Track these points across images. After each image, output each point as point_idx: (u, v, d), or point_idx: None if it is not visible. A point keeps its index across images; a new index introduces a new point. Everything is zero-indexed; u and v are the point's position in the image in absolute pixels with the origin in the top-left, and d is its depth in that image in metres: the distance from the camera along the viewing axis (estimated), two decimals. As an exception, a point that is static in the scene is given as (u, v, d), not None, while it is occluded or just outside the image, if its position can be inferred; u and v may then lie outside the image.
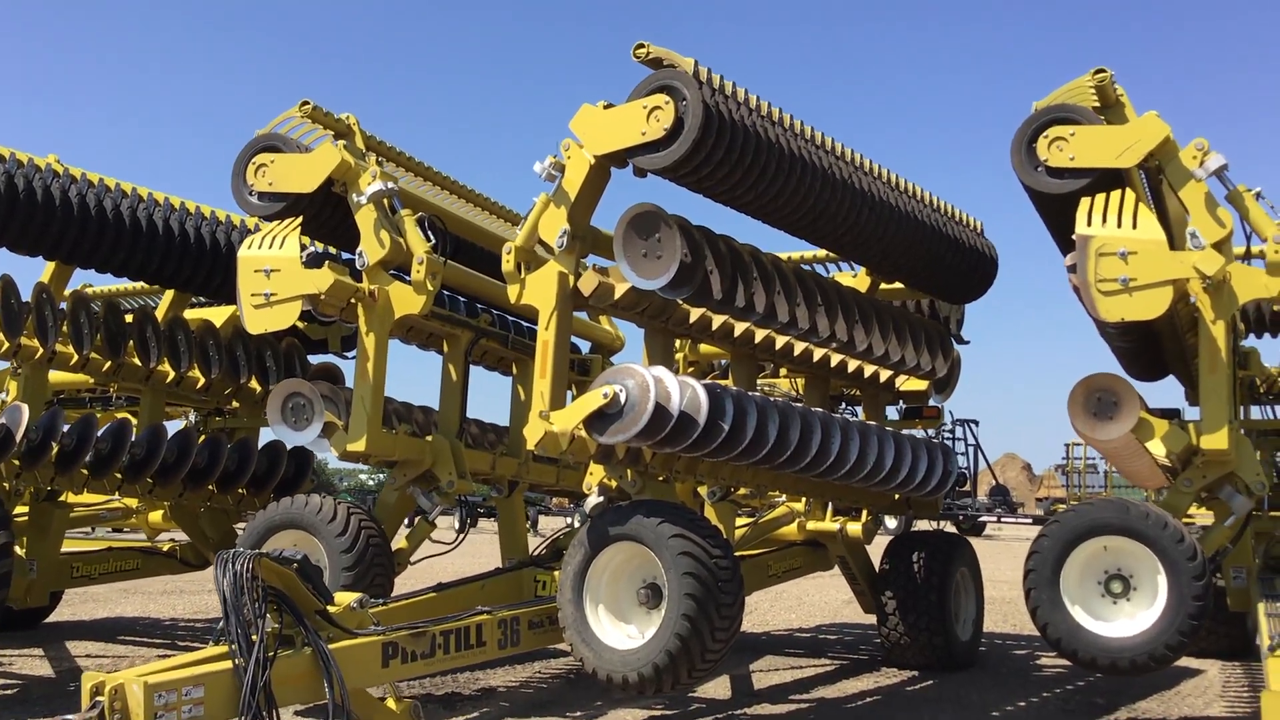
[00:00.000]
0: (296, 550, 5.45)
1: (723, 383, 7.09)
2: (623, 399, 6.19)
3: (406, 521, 8.66)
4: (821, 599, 15.63)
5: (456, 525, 8.72)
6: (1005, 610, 14.12)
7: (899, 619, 9.20)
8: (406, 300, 7.36)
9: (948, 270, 8.34)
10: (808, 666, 9.73)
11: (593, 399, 6.24)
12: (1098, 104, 6.97)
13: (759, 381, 9.01)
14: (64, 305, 8.72)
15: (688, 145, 6.10)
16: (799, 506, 9.37)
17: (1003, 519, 35.31)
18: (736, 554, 7.11)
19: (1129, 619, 6.65)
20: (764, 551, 9.34)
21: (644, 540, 6.18)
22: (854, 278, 9.22)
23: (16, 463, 8.18)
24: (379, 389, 7.45)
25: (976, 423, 26.90)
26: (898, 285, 8.89)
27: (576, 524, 7.42)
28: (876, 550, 9.56)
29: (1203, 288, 6.60)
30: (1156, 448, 7.05)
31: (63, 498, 9.28)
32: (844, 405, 10.33)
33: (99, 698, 4.58)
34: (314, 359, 10.33)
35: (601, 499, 7.00)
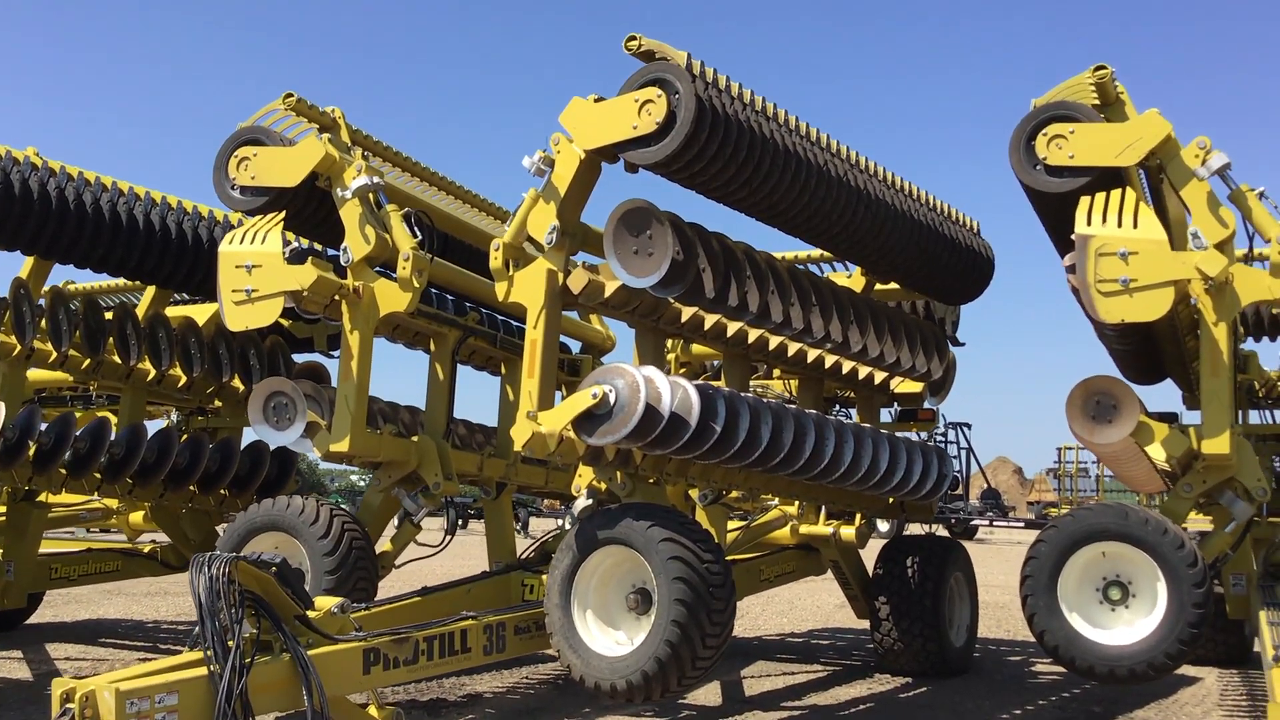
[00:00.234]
0: (275, 554, 5.32)
1: (715, 384, 6.94)
2: (612, 399, 6.05)
3: (395, 523, 8.51)
4: (813, 603, 15.51)
5: (447, 527, 8.57)
6: (999, 615, 14.01)
7: (893, 624, 9.07)
8: (392, 298, 7.21)
9: (944, 270, 8.22)
10: (800, 672, 9.60)
11: (582, 399, 6.10)
12: (1098, 101, 6.84)
13: (752, 383, 8.87)
14: (42, 302, 8.55)
15: (680, 140, 5.96)
16: (792, 510, 9.23)
17: (994, 522, 35.21)
18: (728, 558, 6.97)
19: (1128, 626, 6.55)
20: (756, 556, 9.20)
21: (633, 544, 6.04)
22: (848, 278, 9.09)
23: (-8, 462, 8.00)
24: (363, 388, 7.30)
25: (969, 426, 26.84)
26: (893, 286, 8.76)
27: (567, 526, 7.28)
28: (870, 555, 9.42)
29: (1205, 289, 6.48)
30: (1156, 452, 6.93)
31: (41, 498, 9.11)
32: (837, 407, 10.20)
33: (69, 704, 4.47)
34: (300, 358, 10.18)
35: (590, 502, 6.91)
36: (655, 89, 6.04)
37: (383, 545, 8.02)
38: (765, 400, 6.73)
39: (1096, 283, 6.32)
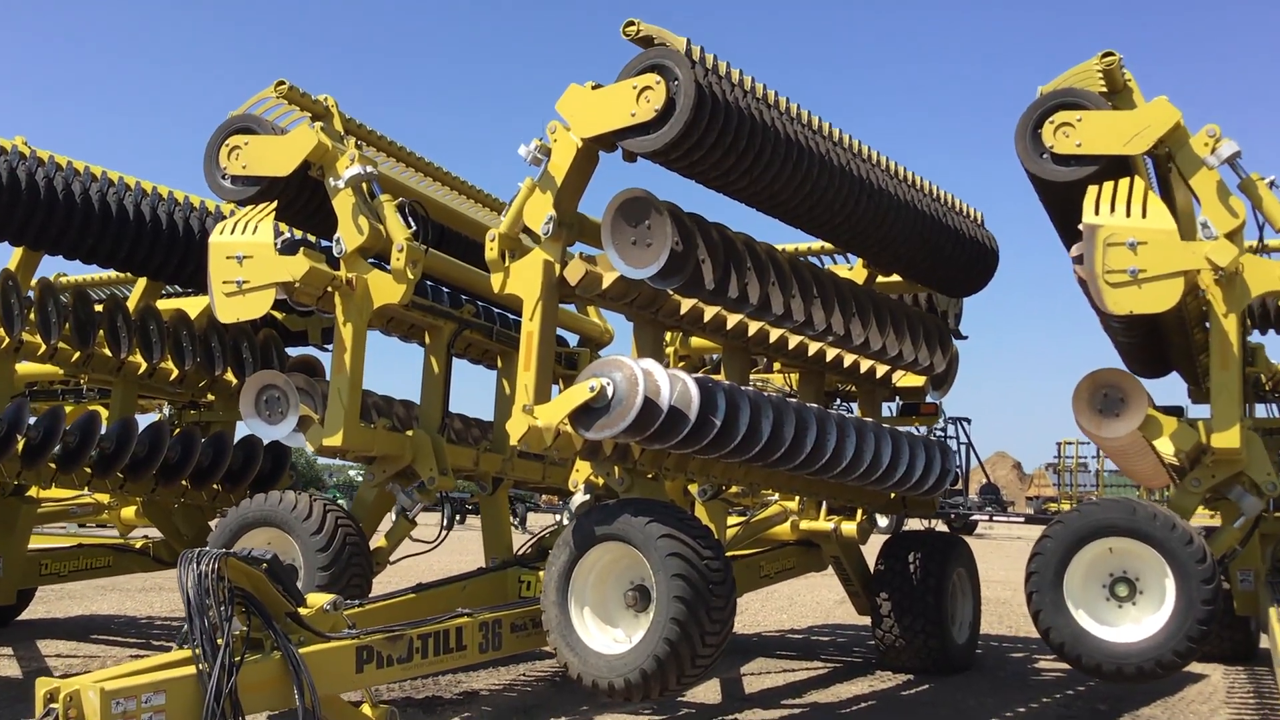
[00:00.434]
0: (266, 549, 5.20)
1: (714, 378, 6.82)
2: (610, 392, 5.93)
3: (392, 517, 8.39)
4: (813, 599, 15.40)
5: (444, 523, 8.46)
6: (1000, 611, 13.90)
7: (894, 621, 8.95)
8: (386, 289, 7.08)
9: (947, 262, 8.09)
10: (800, 669, 9.48)
11: (579, 392, 5.97)
12: (1105, 89, 6.72)
13: (751, 377, 8.74)
14: (31, 293, 8.42)
15: (680, 127, 5.84)
16: (792, 505, 9.10)
17: (994, 518, 35.13)
18: (728, 554, 6.86)
19: (1135, 624, 6.42)
20: (756, 552, 9.08)
21: (631, 540, 5.92)
22: (850, 270, 8.97)
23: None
24: (357, 381, 7.18)
25: (969, 420, 26.68)
26: (894, 278, 8.63)
27: (564, 522, 7.17)
28: (870, 551, 9.31)
29: (1214, 280, 6.36)
30: (1164, 446, 6.81)
31: (31, 493, 8.98)
32: (839, 401, 10.08)
33: (53, 705, 4.35)
34: (294, 352, 10.05)
35: (588, 497, 6.79)
36: (654, 75, 5.91)
37: (377, 541, 7.89)
38: (766, 394, 6.61)
39: (1104, 273, 6.19)
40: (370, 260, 7.23)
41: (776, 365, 9.53)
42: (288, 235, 7.12)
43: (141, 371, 8.99)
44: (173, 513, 9.60)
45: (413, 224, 7.23)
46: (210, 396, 9.84)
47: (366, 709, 5.33)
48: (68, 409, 9.88)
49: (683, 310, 7.02)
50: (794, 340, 7.75)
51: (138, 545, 10.03)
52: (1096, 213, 6.29)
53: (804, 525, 9.06)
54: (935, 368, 8.39)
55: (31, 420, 7.96)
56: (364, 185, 7.14)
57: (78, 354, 8.62)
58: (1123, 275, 6.17)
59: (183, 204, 8.83)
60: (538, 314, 6.38)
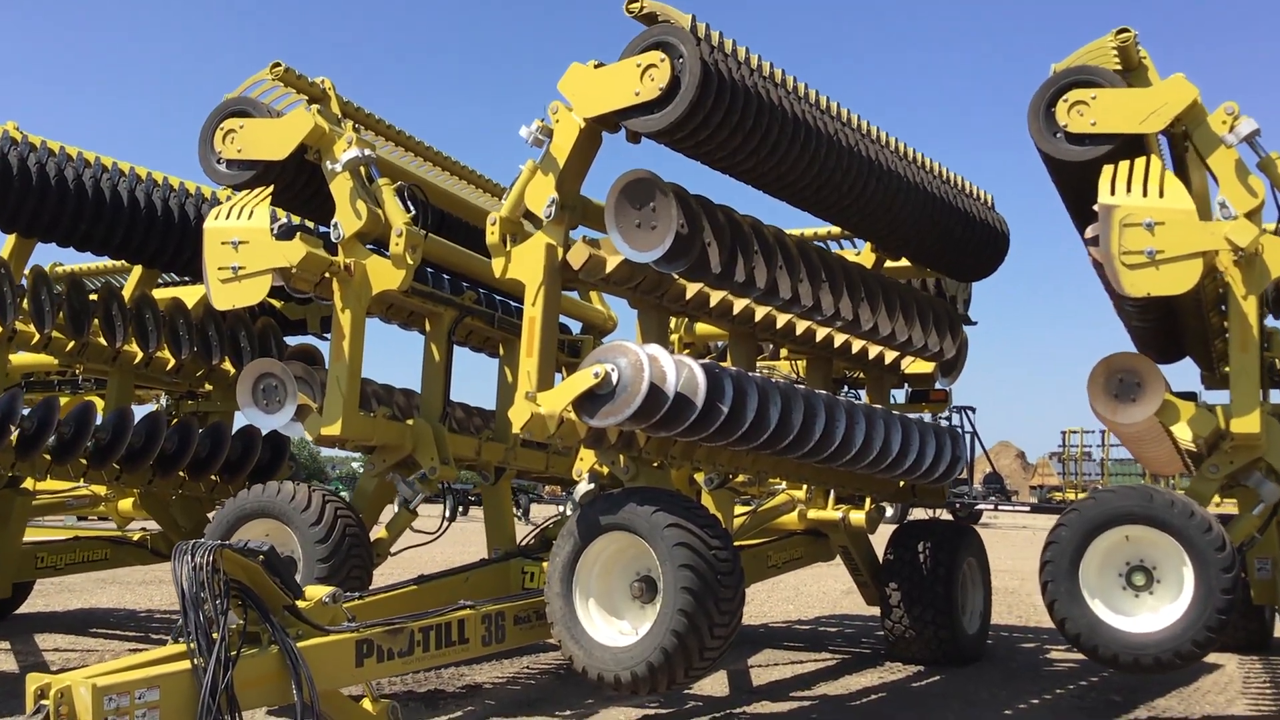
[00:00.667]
0: (263, 541, 5.07)
1: (721, 364, 6.68)
2: (615, 379, 5.79)
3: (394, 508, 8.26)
4: (819, 589, 15.27)
5: (447, 513, 8.33)
6: (1009, 601, 13.77)
7: (904, 611, 8.81)
8: (385, 275, 6.94)
9: (958, 246, 7.94)
10: (808, 661, 9.35)
11: (583, 379, 5.83)
12: (1120, 67, 6.56)
13: (757, 363, 8.60)
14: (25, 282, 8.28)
15: (684, 106, 5.69)
16: (799, 494, 8.95)
17: (999, 507, 35.01)
18: (735, 544, 6.72)
19: (1152, 613, 6.30)
20: (763, 541, 8.93)
21: (637, 530, 5.78)
22: (856, 255, 8.82)
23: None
24: (355, 370, 7.04)
25: (973, 409, 26.58)
26: (903, 262, 8.48)
27: (568, 512, 7.04)
28: (878, 540, 9.17)
29: (1233, 261, 6.20)
30: (1181, 432, 6.66)
31: (25, 485, 8.84)
32: (846, 388, 9.94)
33: (44, 701, 4.23)
34: (293, 341, 9.91)
35: (592, 486, 6.66)
36: (658, 53, 5.76)
37: (378, 532, 7.76)
38: (773, 380, 6.47)
39: (1121, 255, 6.02)
40: (369, 246, 7.10)
41: (783, 352, 9.38)
42: (284, 220, 6.99)
43: (137, 361, 8.85)
44: (171, 504, 9.46)
45: (412, 208, 7.10)
46: (208, 386, 9.71)
47: (367, 704, 5.21)
48: (63, 400, 9.73)
49: (688, 295, 6.88)
50: (801, 325, 7.61)
51: (135, 537, 9.89)
52: (1112, 193, 6.13)
53: (812, 514, 8.92)
54: (945, 353, 8.24)
55: (25, 411, 7.82)
56: (362, 169, 7.00)
57: (72, 343, 8.47)
58: (1140, 256, 6.01)
59: (178, 190, 8.69)
60: (540, 299, 6.24)
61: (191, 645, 4.48)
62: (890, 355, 8.46)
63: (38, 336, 8.27)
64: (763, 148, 6.09)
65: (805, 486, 8.82)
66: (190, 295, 9.43)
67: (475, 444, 8.29)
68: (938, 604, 8.73)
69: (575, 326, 9.97)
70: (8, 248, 8.53)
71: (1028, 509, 35.76)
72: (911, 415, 8.18)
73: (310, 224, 7.89)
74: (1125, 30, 6.52)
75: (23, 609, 10.89)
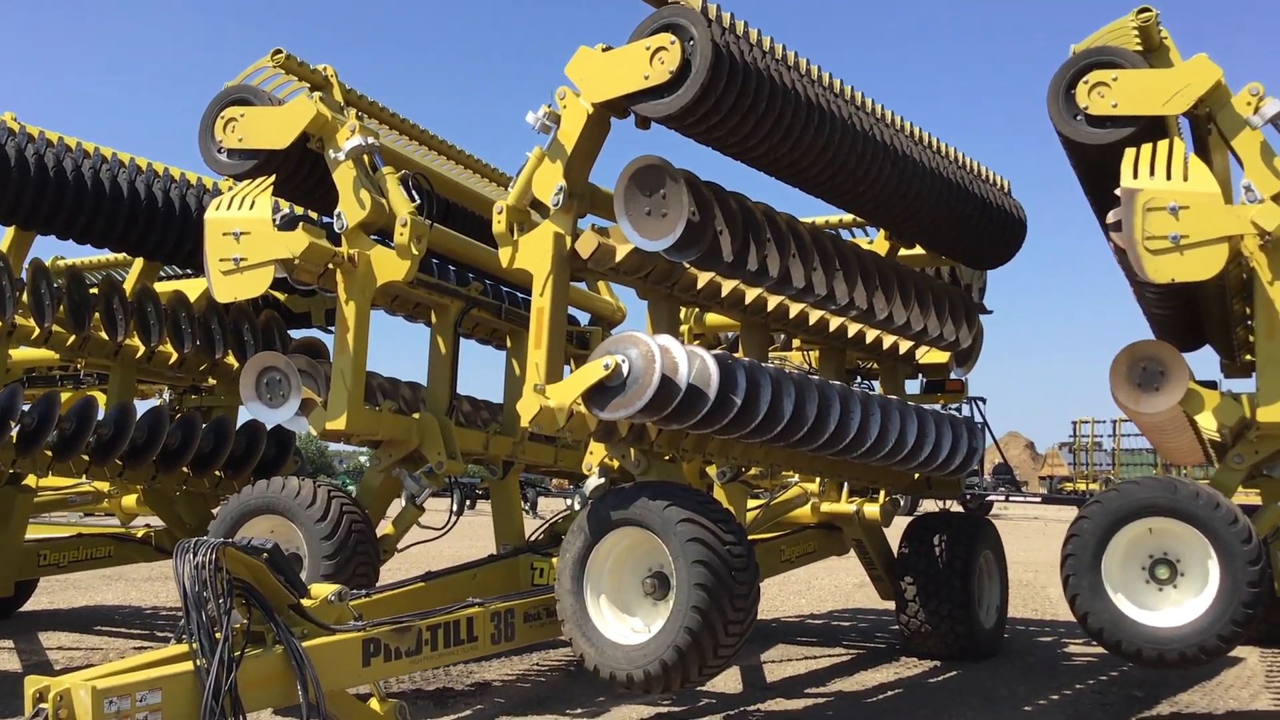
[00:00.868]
0: (267, 538, 4.95)
1: (734, 355, 6.54)
2: (625, 370, 5.65)
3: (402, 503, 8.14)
4: (831, 582, 15.13)
5: (454, 508, 8.19)
6: (1024, 594, 13.60)
7: (919, 606, 8.66)
8: (389, 266, 6.80)
9: (974, 233, 7.79)
10: (822, 656, 9.21)
11: (592, 370, 5.69)
12: (1141, 47, 6.40)
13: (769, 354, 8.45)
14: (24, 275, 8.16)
15: (696, 89, 5.54)
16: (813, 487, 8.81)
17: (1010, 498, 34.86)
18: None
19: (1176, 607, 6.15)
20: (776, 535, 8.79)
21: (649, 525, 5.64)
22: (869, 244, 8.66)
23: (-25, 444, 7.62)
24: (360, 362, 6.90)
25: (984, 400, 26.37)
26: (917, 250, 8.33)
27: (577, 507, 6.91)
28: (892, 534, 9.02)
29: (1260, 245, 6.05)
30: (1205, 421, 6.51)
31: (27, 481, 8.72)
32: (859, 379, 9.79)
33: (42, 705, 4.13)
34: (297, 334, 9.78)
35: (602, 480, 6.54)
36: (668, 35, 5.61)
37: (384, 528, 7.63)
38: (787, 371, 6.32)
39: (1144, 240, 5.87)
40: (373, 236, 6.96)
41: (795, 342, 9.24)
42: (287, 211, 6.86)
43: (139, 355, 8.72)
44: (175, 501, 9.34)
45: (417, 198, 6.97)
46: (211, 381, 9.58)
47: (375, 703, 5.09)
48: (65, 395, 9.62)
49: (699, 284, 6.74)
50: (815, 315, 7.47)
51: (139, 534, 9.77)
52: (1135, 176, 5.97)
53: (825, 508, 8.77)
54: (960, 343, 8.10)
55: (26, 407, 7.70)
56: (365, 157, 6.86)
57: (73, 338, 8.35)
58: (1164, 241, 5.85)
59: (179, 181, 8.55)
60: (548, 289, 6.10)
61: (194, 645, 4.38)
62: (905, 345, 8.31)
63: (38, 331, 8.14)
64: (775, 132, 5.93)
65: (818, 479, 8.67)
66: (193, 288, 9.31)
67: (483, 438, 8.14)
68: (954, 598, 8.59)
69: (583, 318, 9.84)
70: (6, 241, 8.43)
71: (1039, 499, 35.64)
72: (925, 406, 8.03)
73: (313, 214, 7.75)
74: (1146, 10, 6.35)
75: (27, 606, 10.79)
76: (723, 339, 9.96)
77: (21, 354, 9.65)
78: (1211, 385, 8.57)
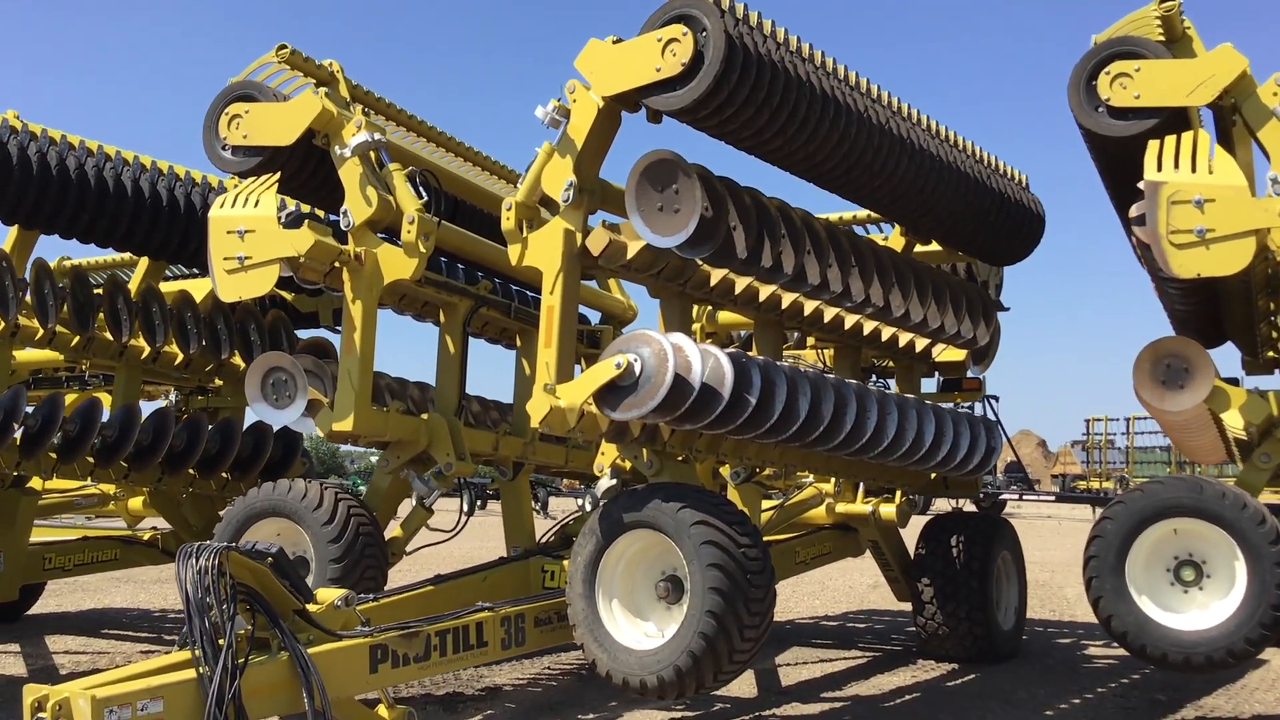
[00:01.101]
0: (272, 543, 4.85)
1: (747, 353, 6.41)
2: (637, 369, 5.52)
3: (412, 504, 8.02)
4: (845, 583, 14.99)
5: (464, 510, 8.08)
6: (1041, 595, 13.44)
7: (937, 607, 8.52)
8: (396, 264, 6.69)
9: (992, 228, 7.64)
10: (838, 659, 9.07)
11: (604, 370, 5.56)
12: (1163, 38, 6.25)
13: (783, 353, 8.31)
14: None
15: (708, 82, 5.40)
16: (828, 488, 8.67)
17: (1023, 496, 34.65)
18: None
19: (1202, 610, 6.03)
20: (791, 537, 8.66)
21: (663, 528, 5.52)
22: (885, 240, 8.52)
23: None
24: (367, 362, 6.79)
25: (997, 398, 26.17)
26: (934, 247, 8.19)
27: (588, 508, 6.79)
28: (909, 534, 8.88)
29: None
30: (1232, 419, 6.37)
31: (32, 484, 8.64)
32: (874, 378, 9.65)
33: (41, 714, 4.01)
34: (304, 334, 9.68)
35: (614, 482, 6.41)
36: (680, 26, 5.48)
37: (393, 530, 7.52)
38: (802, 370, 6.19)
39: (1169, 234, 5.72)
40: (380, 234, 6.85)
41: (810, 340, 9.10)
42: (292, 208, 6.74)
43: (145, 356, 8.64)
44: (181, 503, 9.25)
45: (424, 194, 6.85)
46: (217, 381, 9.49)
47: (383, 710, 5.00)
48: (70, 397, 9.53)
49: (712, 282, 6.61)
50: (830, 313, 7.33)
51: (146, 536, 9.69)
52: (1159, 169, 5.83)
53: (840, 508, 8.63)
54: (978, 341, 7.95)
55: (29, 408, 7.61)
56: (372, 154, 6.76)
57: (77, 338, 8.27)
58: (1189, 235, 5.71)
59: (184, 179, 8.46)
60: (558, 287, 5.97)
61: (196, 653, 4.29)
62: (921, 343, 8.17)
63: (41, 331, 8.06)
64: (790, 125, 5.80)
65: (834, 480, 8.54)
66: (198, 288, 9.21)
67: (492, 438, 8.03)
68: (972, 599, 8.44)
69: (594, 317, 9.71)
70: (9, 241, 8.34)
71: (1052, 498, 35.40)
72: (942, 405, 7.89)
73: (319, 212, 7.63)
74: None
75: (35, 609, 10.72)
76: (736, 337, 9.83)
77: (26, 355, 9.57)
78: (1233, 382, 8.43)
